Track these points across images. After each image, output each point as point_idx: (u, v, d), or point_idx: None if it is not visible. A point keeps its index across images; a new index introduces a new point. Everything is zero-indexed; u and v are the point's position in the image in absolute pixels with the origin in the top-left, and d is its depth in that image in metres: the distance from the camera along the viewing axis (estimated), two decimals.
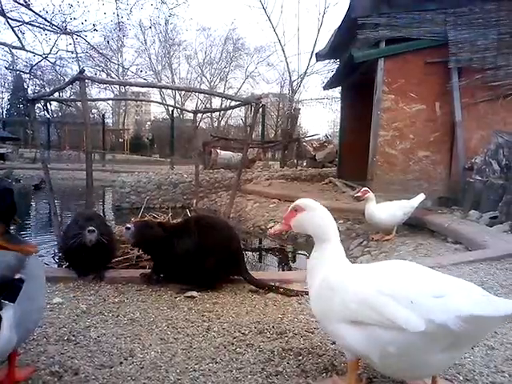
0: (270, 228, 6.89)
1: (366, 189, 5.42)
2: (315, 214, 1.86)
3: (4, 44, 12.92)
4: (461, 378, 1.79)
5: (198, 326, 2.34)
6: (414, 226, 5.72)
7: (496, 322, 1.41)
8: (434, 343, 1.37)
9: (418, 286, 1.45)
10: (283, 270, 5.64)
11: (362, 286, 1.57)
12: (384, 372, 1.66)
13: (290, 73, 30.14)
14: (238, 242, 3.24)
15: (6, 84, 41.22)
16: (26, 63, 16.22)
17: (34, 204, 12.19)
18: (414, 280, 1.50)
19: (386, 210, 5.26)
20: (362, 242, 5.72)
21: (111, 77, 21.48)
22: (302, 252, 6.43)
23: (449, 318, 1.28)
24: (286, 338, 2.19)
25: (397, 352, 1.42)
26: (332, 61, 14.31)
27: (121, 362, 1.91)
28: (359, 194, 5.40)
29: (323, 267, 1.80)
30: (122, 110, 41.70)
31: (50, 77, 23.02)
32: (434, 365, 1.46)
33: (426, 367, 1.48)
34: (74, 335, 2.17)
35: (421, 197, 5.54)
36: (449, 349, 1.40)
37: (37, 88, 28.03)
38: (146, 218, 4.42)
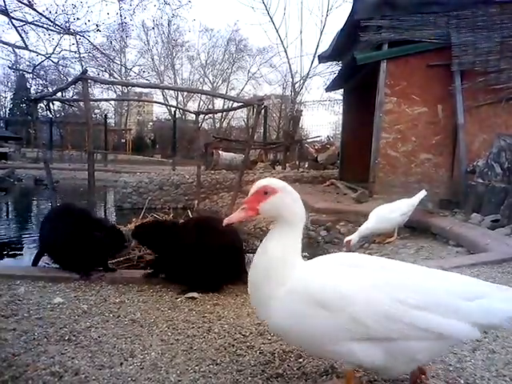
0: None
1: (346, 240, 4.99)
2: (289, 196, 1.63)
3: (7, 44, 12.96)
4: (462, 381, 1.78)
5: (199, 328, 2.33)
6: (415, 228, 5.71)
7: None
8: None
9: (443, 289, 1.39)
10: None
11: (376, 298, 1.40)
12: (388, 375, 1.64)
13: (292, 74, 30.17)
14: (240, 244, 3.24)
15: (9, 83, 41.40)
16: (29, 63, 16.32)
17: (37, 202, 12.23)
18: (429, 283, 1.44)
19: (378, 219, 5.12)
20: (363, 245, 5.71)
21: (114, 77, 21.55)
22: (304, 254, 6.42)
23: (501, 320, 1.30)
24: None
25: (426, 358, 1.42)
26: (334, 63, 14.32)
27: (121, 363, 1.91)
28: (345, 247, 5.01)
29: (287, 266, 1.55)
30: (124, 111, 41.74)
31: (53, 77, 23.06)
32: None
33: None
34: (74, 335, 2.17)
35: (422, 193, 5.49)
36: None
37: (39, 88, 28.12)
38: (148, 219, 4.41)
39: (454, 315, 1.33)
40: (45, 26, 12.72)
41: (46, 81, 22.31)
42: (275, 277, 1.55)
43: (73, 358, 1.92)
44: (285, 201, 1.60)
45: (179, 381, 1.78)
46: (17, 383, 1.69)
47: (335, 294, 1.46)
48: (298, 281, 1.54)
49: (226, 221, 1.61)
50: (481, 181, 6.34)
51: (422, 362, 1.48)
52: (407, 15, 7.81)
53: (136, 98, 29.21)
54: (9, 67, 19.40)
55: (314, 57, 26.51)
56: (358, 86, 10.34)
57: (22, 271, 3.24)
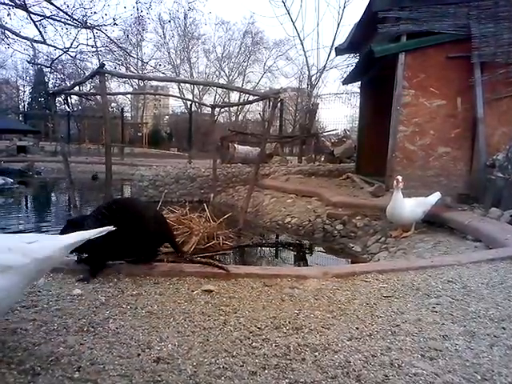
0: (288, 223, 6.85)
1: (400, 178, 5.20)
2: None
3: (26, 38, 13.14)
4: (478, 377, 1.77)
5: (215, 320, 2.35)
6: (433, 223, 5.66)
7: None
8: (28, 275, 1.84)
9: (13, 239, 1.86)
10: (299, 266, 5.64)
11: None
12: None
13: (308, 67, 29.90)
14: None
15: (28, 78, 41.93)
16: (47, 57, 16.51)
17: (56, 195, 12.41)
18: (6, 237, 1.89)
19: (408, 206, 5.20)
20: (379, 239, 5.68)
21: (130, 71, 21.64)
22: (319, 248, 6.42)
23: (55, 250, 1.84)
24: (302, 334, 2.18)
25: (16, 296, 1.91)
26: (352, 55, 14.16)
27: (138, 354, 1.93)
28: (400, 185, 5.13)
29: None
30: (140, 104, 41.99)
31: (71, 71, 23.23)
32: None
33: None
34: (93, 326, 2.20)
35: (437, 195, 5.54)
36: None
37: (57, 82, 28.33)
38: None
39: (20, 252, 1.75)
40: (62, 20, 12.88)
41: (64, 75, 22.46)
42: None
43: (91, 349, 1.95)
44: None
45: (195, 372, 1.80)
46: (37, 372, 1.73)
47: None
48: None
49: None
50: (500, 175, 6.24)
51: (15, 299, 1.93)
52: (426, 6, 7.69)
53: (152, 91, 29.29)
54: (27, 61, 19.63)
55: (331, 49, 26.28)
56: (375, 78, 10.23)
57: None
